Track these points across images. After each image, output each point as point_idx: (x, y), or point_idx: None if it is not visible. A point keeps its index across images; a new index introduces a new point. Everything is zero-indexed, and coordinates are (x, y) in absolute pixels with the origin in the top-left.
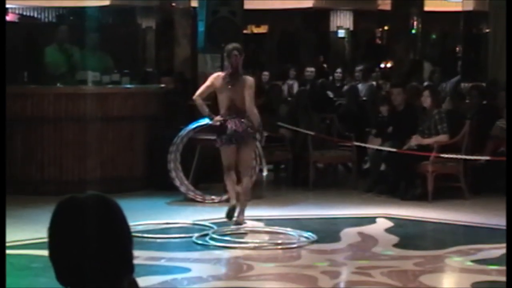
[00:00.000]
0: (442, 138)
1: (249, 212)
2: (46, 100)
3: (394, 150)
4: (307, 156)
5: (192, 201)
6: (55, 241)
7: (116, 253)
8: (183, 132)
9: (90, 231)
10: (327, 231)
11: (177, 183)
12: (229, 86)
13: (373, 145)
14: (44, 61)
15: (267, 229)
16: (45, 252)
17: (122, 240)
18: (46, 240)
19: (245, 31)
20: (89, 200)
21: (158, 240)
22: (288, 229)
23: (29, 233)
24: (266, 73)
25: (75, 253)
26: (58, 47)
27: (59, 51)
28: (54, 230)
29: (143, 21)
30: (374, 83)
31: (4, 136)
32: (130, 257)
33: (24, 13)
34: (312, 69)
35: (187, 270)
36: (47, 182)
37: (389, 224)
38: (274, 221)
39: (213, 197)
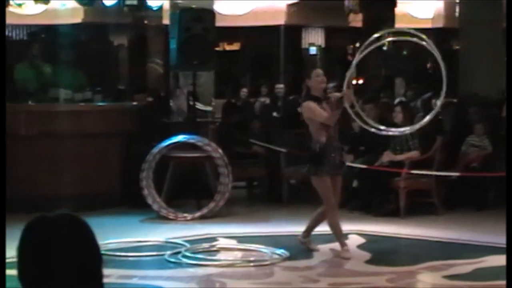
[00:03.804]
0: (414, 154)
1: (222, 229)
2: (19, 118)
3: (366, 166)
4: (280, 173)
5: (165, 218)
6: (24, 261)
7: (85, 272)
8: (156, 149)
9: (60, 250)
10: (300, 248)
11: (150, 200)
12: None
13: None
14: (14, 78)
15: (240, 246)
16: (15, 272)
17: (92, 259)
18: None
19: (217, 49)
20: (58, 219)
21: (131, 258)
22: (261, 246)
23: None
24: (245, 89)
25: (44, 273)
26: (29, 64)
27: (29, 68)
28: (23, 250)
29: (115, 39)
30: None
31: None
32: (100, 276)
33: None
34: (282, 85)
35: None
36: (20, 199)
37: (362, 240)
38: (247, 238)
39: (185, 214)
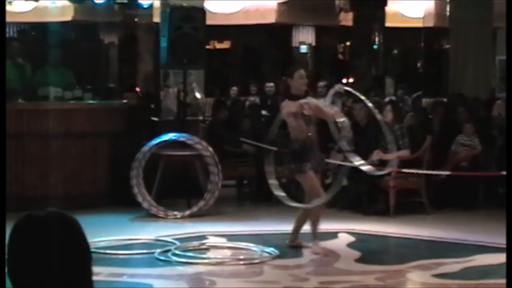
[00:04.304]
0: (403, 153)
1: (212, 227)
2: (7, 116)
3: (356, 165)
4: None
5: (155, 217)
6: (14, 259)
7: (75, 270)
8: (146, 147)
9: (49, 248)
10: (289, 246)
11: (140, 199)
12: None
13: (336, 160)
14: None
15: (230, 244)
16: (4, 270)
17: (81, 257)
18: (5, 257)
19: (207, 47)
20: (47, 217)
21: (121, 256)
22: (250, 244)
23: None
24: (235, 88)
25: (34, 270)
26: (12, 62)
27: (12, 67)
28: (13, 248)
29: (105, 37)
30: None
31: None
32: (90, 274)
33: None
34: (272, 84)
35: (149, 286)
36: (9, 199)
37: (351, 239)
38: (236, 236)
39: (175, 212)
